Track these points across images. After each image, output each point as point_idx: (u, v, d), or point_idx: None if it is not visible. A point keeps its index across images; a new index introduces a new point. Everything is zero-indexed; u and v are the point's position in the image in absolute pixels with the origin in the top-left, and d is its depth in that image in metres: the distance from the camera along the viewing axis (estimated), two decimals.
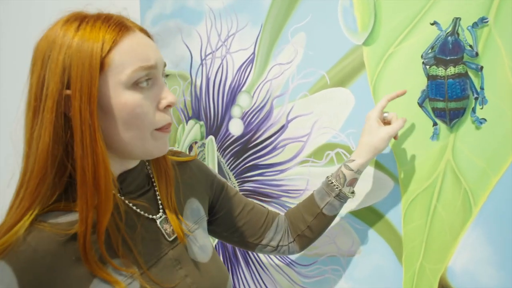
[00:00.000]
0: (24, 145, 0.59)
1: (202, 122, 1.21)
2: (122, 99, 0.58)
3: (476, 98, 0.79)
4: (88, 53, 0.56)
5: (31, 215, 0.56)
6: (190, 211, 0.76)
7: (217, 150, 1.18)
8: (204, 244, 0.74)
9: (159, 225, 0.68)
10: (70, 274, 0.57)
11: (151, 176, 0.71)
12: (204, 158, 1.21)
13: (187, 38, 1.23)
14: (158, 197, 0.70)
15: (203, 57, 1.19)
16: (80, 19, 0.59)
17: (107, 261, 0.59)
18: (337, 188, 0.82)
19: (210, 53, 1.17)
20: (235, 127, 1.13)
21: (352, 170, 0.82)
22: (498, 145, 0.77)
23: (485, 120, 0.78)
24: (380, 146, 0.81)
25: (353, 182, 0.83)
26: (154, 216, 0.68)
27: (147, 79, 0.60)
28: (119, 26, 0.59)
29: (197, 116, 1.22)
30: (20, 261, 0.54)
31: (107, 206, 0.59)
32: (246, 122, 1.11)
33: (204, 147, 1.21)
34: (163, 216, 0.69)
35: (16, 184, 0.59)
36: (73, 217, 0.58)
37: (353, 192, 0.85)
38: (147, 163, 0.71)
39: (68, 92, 0.56)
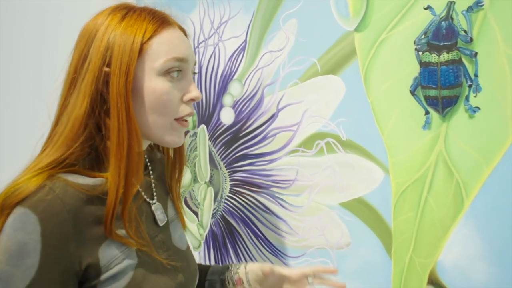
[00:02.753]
0: (57, 110, 0.66)
1: (194, 111, 1.19)
2: (153, 83, 0.64)
3: (469, 86, 0.76)
4: (131, 37, 0.63)
5: (52, 169, 0.60)
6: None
7: (209, 140, 1.17)
8: (182, 234, 0.80)
9: (153, 209, 0.73)
10: (86, 233, 0.60)
11: (148, 164, 0.77)
12: (196, 148, 1.20)
13: None
14: (153, 184, 0.76)
15: (196, 45, 1.17)
16: (127, 9, 0.66)
17: (125, 227, 0.65)
18: (229, 272, 0.86)
19: (203, 41, 1.15)
20: (227, 116, 1.11)
21: (245, 269, 0.84)
22: (492, 135, 0.74)
23: (479, 108, 0.75)
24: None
25: (239, 282, 0.85)
26: (150, 201, 0.74)
27: (177, 70, 0.66)
28: (161, 19, 0.66)
29: None
30: (46, 211, 0.57)
31: (137, 176, 0.65)
32: (237, 111, 1.09)
33: (196, 137, 1.19)
34: (156, 202, 0.75)
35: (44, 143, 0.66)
36: (90, 181, 0.62)
37: None
38: (146, 156, 0.77)
39: (107, 69, 0.62)
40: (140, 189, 0.71)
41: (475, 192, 0.77)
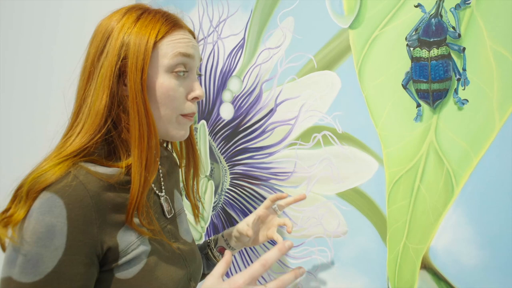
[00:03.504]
0: (76, 101, 0.69)
1: (196, 112, 1.23)
2: (161, 79, 0.69)
3: (458, 79, 0.80)
4: (146, 36, 0.67)
5: (75, 158, 0.64)
6: (179, 198, 0.88)
7: (209, 134, 1.20)
8: (187, 228, 0.84)
9: (162, 201, 0.77)
10: (107, 218, 0.64)
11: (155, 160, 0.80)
12: (197, 143, 1.23)
13: None
14: (161, 178, 0.80)
15: None
16: (142, 10, 0.71)
17: (143, 214, 0.69)
18: (209, 247, 0.95)
19: (202, 39, 1.18)
20: (226, 111, 1.15)
21: (223, 237, 0.95)
22: (479, 126, 0.78)
23: (467, 101, 0.79)
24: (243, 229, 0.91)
25: (222, 250, 0.94)
26: (160, 193, 0.78)
27: (184, 71, 0.70)
28: (173, 22, 0.71)
29: None
30: (72, 196, 0.60)
31: (156, 165, 0.69)
32: (237, 106, 1.12)
33: (196, 132, 1.23)
34: (165, 195, 0.79)
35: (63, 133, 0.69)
36: (107, 170, 0.66)
37: None
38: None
39: (122, 64, 0.66)
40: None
41: (464, 180, 0.81)
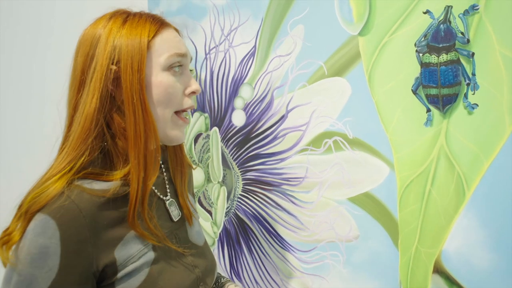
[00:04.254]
0: (68, 112, 0.69)
1: (206, 114, 1.25)
2: (159, 78, 0.69)
3: (468, 84, 0.81)
4: (138, 37, 0.67)
5: (70, 172, 0.64)
6: (190, 202, 0.85)
7: (221, 141, 1.22)
8: (199, 231, 0.84)
9: (167, 206, 0.77)
10: (102, 236, 0.64)
11: (161, 163, 0.81)
12: (209, 149, 1.25)
13: (192, 33, 1.27)
14: (166, 182, 0.80)
15: (207, 52, 1.23)
16: (126, 14, 0.71)
17: (145, 220, 0.69)
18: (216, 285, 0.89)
19: (214, 47, 1.21)
20: (238, 118, 1.17)
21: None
22: (489, 130, 0.79)
23: (477, 105, 0.80)
24: None
25: None
26: (164, 198, 0.77)
27: (179, 65, 0.71)
28: (160, 21, 0.72)
29: (201, 109, 1.26)
30: (64, 217, 0.60)
31: (156, 168, 0.69)
32: (248, 113, 1.14)
33: (209, 138, 1.25)
34: (170, 199, 0.78)
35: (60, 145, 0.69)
36: (103, 185, 0.66)
37: None
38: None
39: (114, 67, 0.66)
40: (153, 187, 0.75)
41: (475, 184, 0.81)
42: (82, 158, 0.65)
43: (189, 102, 0.73)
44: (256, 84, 1.12)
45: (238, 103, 1.16)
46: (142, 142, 0.66)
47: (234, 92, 1.17)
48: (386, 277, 0.93)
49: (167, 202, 0.77)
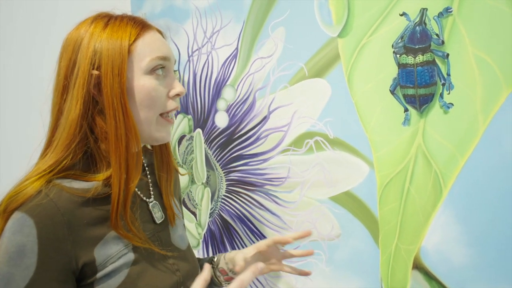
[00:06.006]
0: (52, 117, 0.69)
1: (190, 116, 1.26)
2: (141, 82, 0.68)
3: (443, 84, 0.83)
4: (118, 40, 0.67)
5: (50, 173, 0.64)
6: (174, 205, 0.85)
7: (204, 143, 1.23)
8: (182, 235, 0.83)
9: (150, 208, 0.77)
10: (81, 234, 0.64)
11: (144, 165, 0.81)
12: (193, 151, 1.25)
13: (175, 36, 1.27)
14: (150, 185, 0.79)
15: (190, 54, 1.24)
16: (108, 17, 0.70)
17: (127, 222, 0.68)
18: (212, 264, 0.90)
19: (197, 49, 1.22)
20: (221, 120, 1.18)
21: (224, 260, 0.89)
22: (464, 128, 0.81)
23: (452, 104, 0.82)
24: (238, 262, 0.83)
25: (224, 272, 0.89)
26: (147, 200, 0.77)
27: (161, 67, 0.70)
28: (142, 23, 0.71)
29: (185, 111, 1.27)
30: (41, 215, 0.60)
31: (138, 170, 0.69)
32: (231, 115, 1.15)
33: (192, 140, 1.25)
34: (154, 201, 0.78)
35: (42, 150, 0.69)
36: (84, 184, 0.66)
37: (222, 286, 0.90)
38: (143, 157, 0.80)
39: (95, 72, 0.66)
40: (136, 189, 0.74)
41: (452, 181, 0.83)
42: (64, 162, 0.65)
43: (173, 104, 0.73)
44: (238, 86, 1.13)
45: (221, 104, 1.17)
46: (123, 145, 0.66)
47: (217, 93, 1.18)
48: (368, 274, 0.95)
49: (150, 204, 0.77)
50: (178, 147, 1.30)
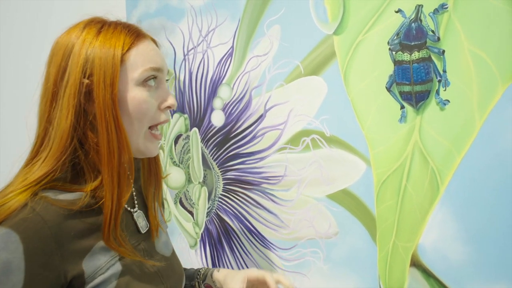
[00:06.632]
0: (39, 125, 0.66)
1: (186, 115, 1.25)
2: (132, 93, 0.66)
3: (439, 81, 0.83)
4: (111, 49, 0.64)
5: (37, 185, 0.62)
6: (161, 212, 0.86)
7: (201, 142, 1.22)
8: (166, 241, 0.83)
9: (135, 218, 0.76)
10: (69, 247, 0.62)
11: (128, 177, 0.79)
12: (189, 150, 1.25)
13: (171, 35, 1.27)
14: (134, 193, 0.79)
15: (185, 53, 1.23)
16: (101, 23, 0.68)
17: (116, 236, 0.67)
18: (197, 278, 0.91)
19: (192, 48, 1.21)
20: (217, 118, 1.17)
21: (212, 278, 0.90)
22: (461, 125, 0.81)
23: (449, 101, 0.82)
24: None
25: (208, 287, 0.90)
26: (132, 210, 0.76)
27: (153, 78, 0.69)
28: (136, 32, 0.69)
29: (181, 110, 1.26)
30: (28, 230, 0.58)
31: (129, 184, 0.68)
32: (227, 113, 1.15)
33: (189, 139, 1.25)
34: (138, 211, 0.77)
35: (27, 157, 0.66)
36: (70, 196, 0.64)
37: None
38: None
39: (86, 81, 0.63)
40: None
41: (448, 178, 0.83)
42: (53, 174, 0.63)
43: (163, 116, 0.71)
44: (234, 84, 1.13)
45: (217, 103, 1.17)
46: (116, 158, 0.64)
47: (213, 92, 1.17)
48: (365, 272, 0.95)
49: (134, 214, 0.76)
50: (175, 146, 1.29)
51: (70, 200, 0.64)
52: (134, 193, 0.79)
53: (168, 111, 0.73)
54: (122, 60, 0.65)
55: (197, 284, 0.92)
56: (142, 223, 0.76)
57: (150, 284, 0.71)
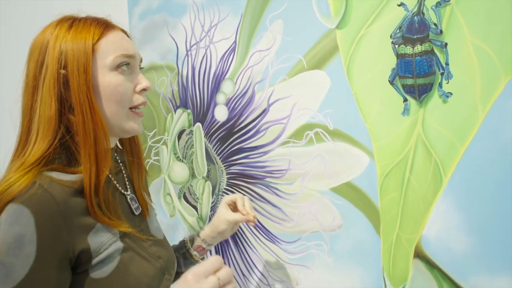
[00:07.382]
0: (24, 117, 0.72)
1: (189, 110, 1.26)
2: (107, 78, 0.72)
3: (442, 74, 0.84)
4: (82, 40, 0.71)
5: (38, 165, 0.67)
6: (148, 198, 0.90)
7: (204, 136, 1.23)
8: (158, 227, 0.88)
9: (128, 200, 0.81)
10: (75, 222, 0.66)
11: (118, 161, 0.84)
12: (193, 145, 1.26)
13: (173, 30, 1.27)
14: (126, 179, 0.83)
15: (188, 48, 1.23)
16: (72, 19, 0.74)
17: (104, 210, 0.71)
18: (185, 247, 0.98)
19: (195, 44, 1.22)
20: (220, 113, 1.18)
21: (199, 237, 0.97)
22: (464, 117, 0.82)
23: (451, 94, 0.83)
24: (220, 226, 0.94)
25: (200, 249, 0.98)
26: (125, 192, 0.81)
27: (126, 64, 0.74)
28: (105, 24, 0.75)
29: (184, 105, 1.27)
30: (38, 204, 0.62)
31: (106, 161, 0.72)
32: (230, 108, 1.16)
33: (192, 134, 1.25)
34: (131, 194, 0.82)
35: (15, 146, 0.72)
36: (69, 177, 0.69)
37: (203, 259, 0.97)
38: (115, 154, 0.83)
39: (63, 71, 0.69)
40: (110, 175, 0.78)
41: (451, 170, 0.84)
42: (47, 156, 0.68)
43: (140, 99, 0.76)
44: (237, 79, 1.13)
45: (220, 98, 1.17)
46: (92, 138, 0.70)
47: (216, 87, 1.18)
48: (370, 264, 0.96)
49: (128, 197, 0.81)
50: (178, 141, 1.30)
51: (72, 181, 0.68)
52: (126, 179, 0.83)
53: (144, 94, 0.78)
54: (94, 50, 0.71)
55: (186, 251, 0.97)
56: (135, 205, 0.81)
57: (148, 262, 0.75)
